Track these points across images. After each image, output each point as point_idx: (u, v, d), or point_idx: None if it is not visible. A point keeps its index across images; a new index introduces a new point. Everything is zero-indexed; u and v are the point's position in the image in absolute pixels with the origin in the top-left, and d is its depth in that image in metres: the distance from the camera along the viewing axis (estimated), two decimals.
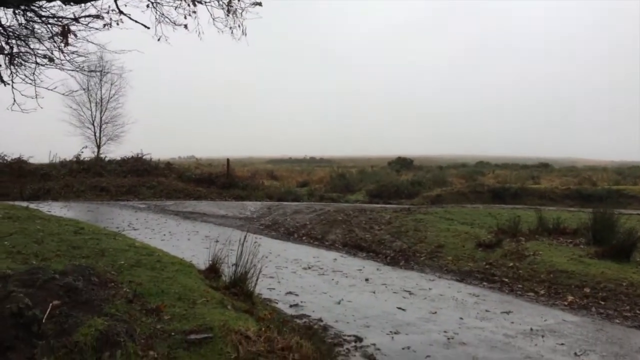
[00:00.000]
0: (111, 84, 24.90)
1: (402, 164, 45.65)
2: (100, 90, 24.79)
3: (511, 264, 8.01)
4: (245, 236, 6.04)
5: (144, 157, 21.52)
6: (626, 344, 4.82)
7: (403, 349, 4.54)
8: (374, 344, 4.62)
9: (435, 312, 5.69)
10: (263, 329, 3.94)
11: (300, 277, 7.43)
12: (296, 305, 5.94)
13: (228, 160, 19.79)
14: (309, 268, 8.07)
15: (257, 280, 5.55)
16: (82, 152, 21.18)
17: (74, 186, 18.60)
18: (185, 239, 10.36)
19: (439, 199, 18.39)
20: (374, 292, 6.59)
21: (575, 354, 4.50)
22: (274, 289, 6.67)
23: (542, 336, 4.96)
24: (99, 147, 23.71)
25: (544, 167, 53.14)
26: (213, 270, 6.40)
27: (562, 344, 4.74)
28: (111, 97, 24.87)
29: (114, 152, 24.63)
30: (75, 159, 20.76)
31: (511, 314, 5.71)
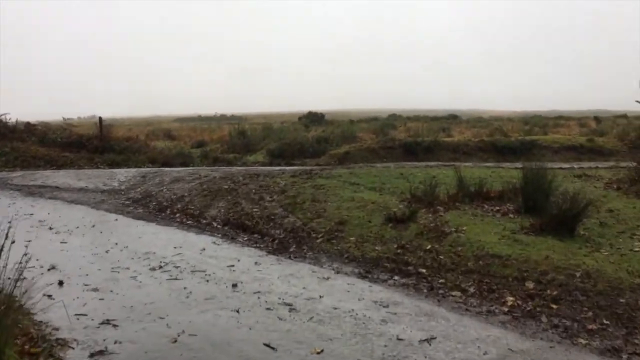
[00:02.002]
0: None
1: (313, 119, 43.57)
2: None
3: (429, 246, 6.17)
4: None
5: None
6: None
7: None
8: None
9: (321, 352, 3.66)
10: None
11: (139, 287, 5.15)
12: (102, 352, 3.68)
13: (100, 119, 16.65)
14: (160, 268, 5.79)
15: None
16: None
17: None
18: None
19: (347, 157, 16.53)
20: (237, 312, 4.45)
21: None
22: (85, 315, 4.36)
23: None
24: None
25: (453, 118, 53.32)
26: None
27: None
28: None
29: None
30: None
31: (434, 343, 3.79)
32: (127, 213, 9.19)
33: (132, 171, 13.17)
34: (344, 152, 16.83)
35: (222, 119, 73.35)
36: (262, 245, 7.05)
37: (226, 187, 10.28)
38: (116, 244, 6.83)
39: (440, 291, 5.01)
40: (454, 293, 4.94)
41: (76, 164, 15.19)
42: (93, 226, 7.91)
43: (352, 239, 6.83)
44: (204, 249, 6.68)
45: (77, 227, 7.77)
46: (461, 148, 17.51)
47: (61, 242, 6.89)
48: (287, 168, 13.59)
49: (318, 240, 6.99)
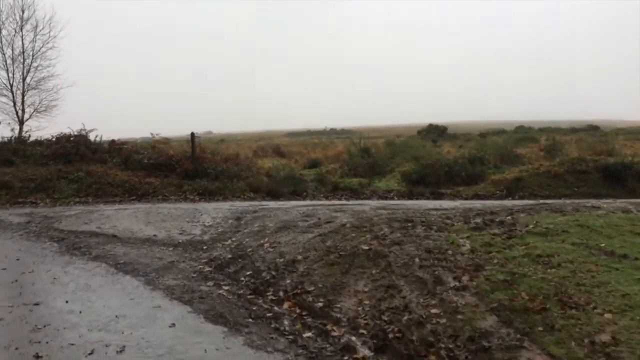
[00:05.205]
0: (35, 34, 17.45)
1: (435, 132, 38.41)
2: (22, 41, 17.64)
3: None
4: None
5: (86, 136, 15.11)
6: None
7: None
8: None
9: None
10: None
11: None
12: None
13: (193, 135, 13.18)
14: None
15: None
16: None
17: None
18: None
19: (520, 185, 11.68)
20: None
21: None
22: None
23: None
24: (21, 122, 17.01)
25: (594, 129, 45.15)
26: None
27: None
28: (36, 53, 17.42)
29: (47, 129, 17.58)
30: None
31: None
32: (200, 301, 5.20)
33: (225, 208, 9.37)
34: (513, 177, 11.98)
35: (331, 133, 69.95)
36: None
37: (366, 247, 6.03)
38: None
39: None
40: None
41: (160, 194, 11.80)
42: (120, 352, 3.95)
43: None
44: None
45: (89, 355, 3.85)
46: None
47: None
48: (447, 204, 9.06)
49: None
